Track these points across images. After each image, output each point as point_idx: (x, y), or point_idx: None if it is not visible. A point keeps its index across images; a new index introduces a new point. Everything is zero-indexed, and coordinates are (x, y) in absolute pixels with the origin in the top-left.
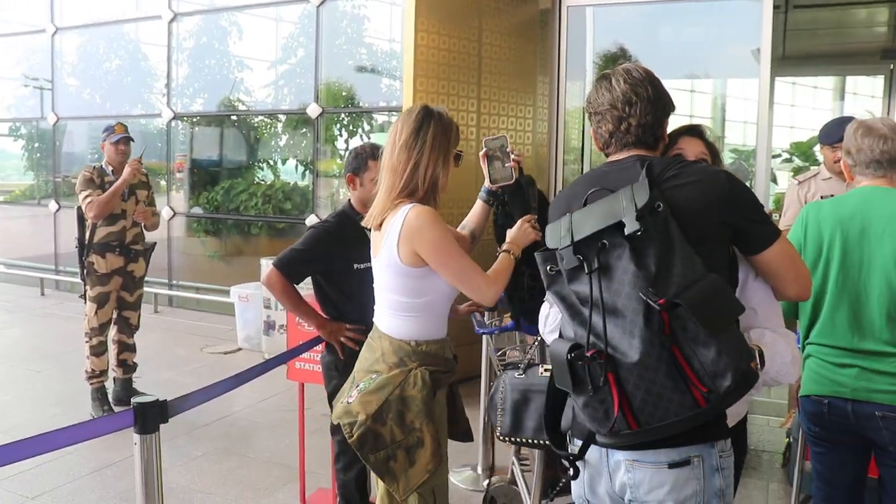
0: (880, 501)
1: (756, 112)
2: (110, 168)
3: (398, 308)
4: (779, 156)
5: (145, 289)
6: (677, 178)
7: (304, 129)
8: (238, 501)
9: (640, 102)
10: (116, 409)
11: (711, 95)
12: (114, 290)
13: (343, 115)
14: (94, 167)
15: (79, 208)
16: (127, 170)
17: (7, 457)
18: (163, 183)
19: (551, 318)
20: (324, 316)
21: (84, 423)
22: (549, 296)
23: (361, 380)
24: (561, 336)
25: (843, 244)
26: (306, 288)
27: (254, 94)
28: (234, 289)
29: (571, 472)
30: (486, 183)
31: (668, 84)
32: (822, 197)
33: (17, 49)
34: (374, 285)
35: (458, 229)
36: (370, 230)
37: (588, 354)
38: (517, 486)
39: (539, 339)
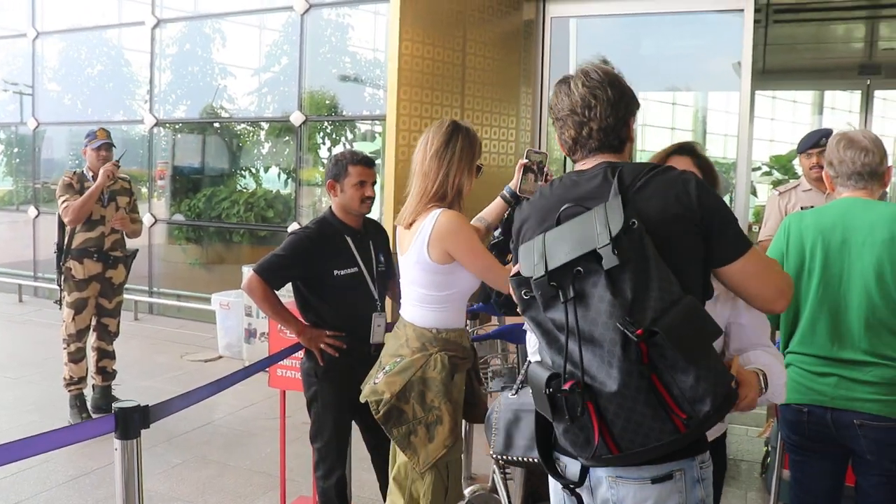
0: None
1: (737, 125)
2: (91, 174)
3: (423, 300)
4: (759, 169)
5: (126, 296)
6: (647, 187)
7: (287, 137)
8: None
9: (599, 106)
10: (95, 416)
11: (693, 108)
12: (91, 297)
13: (326, 124)
14: (75, 172)
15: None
16: (101, 174)
17: None
18: (144, 190)
19: (533, 340)
20: (304, 322)
21: (65, 427)
22: (525, 321)
23: (387, 363)
24: (539, 361)
25: (823, 254)
26: (288, 296)
27: (237, 102)
28: (215, 296)
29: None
30: (513, 185)
31: (649, 96)
32: (802, 208)
33: None
34: (402, 277)
35: (474, 221)
36: (355, 236)
37: (566, 387)
38: (498, 494)
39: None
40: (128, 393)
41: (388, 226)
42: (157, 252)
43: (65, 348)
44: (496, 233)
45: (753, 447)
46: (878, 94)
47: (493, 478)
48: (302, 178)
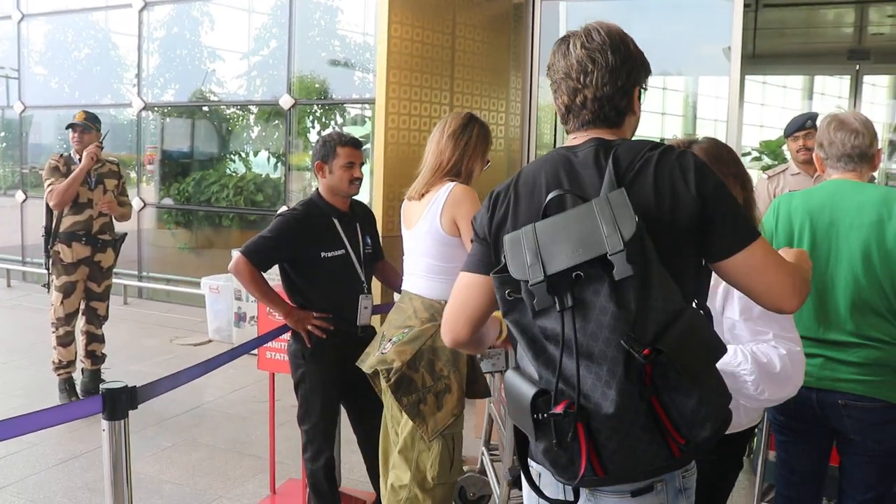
0: (840, 489)
1: (726, 110)
2: (77, 157)
3: (432, 271)
4: (749, 154)
5: (115, 280)
6: (642, 173)
7: (277, 121)
8: (207, 492)
9: (596, 71)
10: None
11: (683, 93)
12: (80, 280)
13: (316, 107)
14: (62, 155)
15: None
16: (84, 155)
17: None
18: (133, 174)
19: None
20: (291, 304)
21: (52, 408)
22: (508, 324)
23: (393, 335)
24: (518, 367)
25: (811, 235)
26: (277, 279)
27: (226, 85)
28: (204, 280)
29: None
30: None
31: None
32: (790, 191)
33: None
34: (408, 251)
35: None
36: (342, 218)
37: (559, 409)
38: (487, 475)
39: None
40: (117, 377)
41: (377, 208)
42: (146, 236)
43: (53, 332)
44: None
45: None
46: (867, 79)
47: (481, 459)
48: (291, 162)
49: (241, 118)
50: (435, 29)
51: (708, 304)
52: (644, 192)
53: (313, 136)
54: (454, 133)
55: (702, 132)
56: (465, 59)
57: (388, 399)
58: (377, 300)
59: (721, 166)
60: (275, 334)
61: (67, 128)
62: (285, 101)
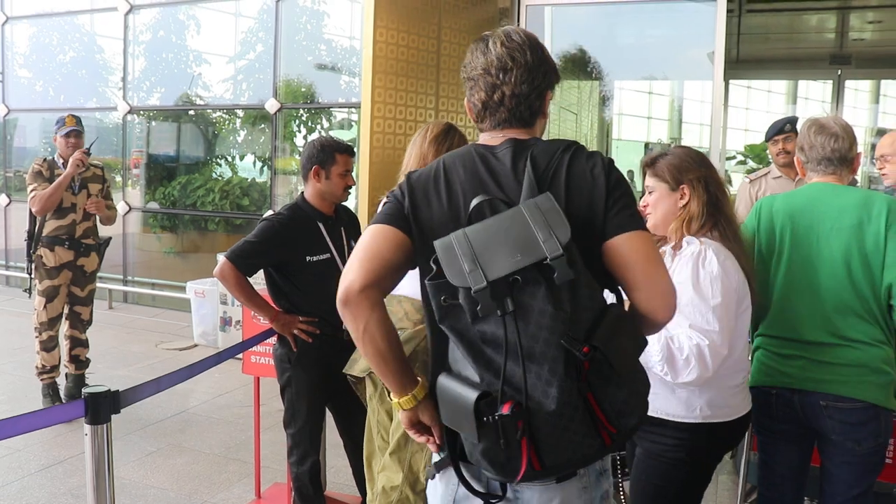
0: (821, 489)
1: (710, 114)
2: (61, 161)
3: (417, 274)
4: (734, 158)
5: (100, 285)
6: (559, 175)
7: (263, 125)
8: (192, 497)
9: (515, 69)
10: None
11: (669, 97)
12: (63, 285)
13: (302, 111)
14: (45, 160)
15: None
16: (70, 162)
17: None
18: (118, 178)
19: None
20: (276, 308)
21: (34, 412)
22: (444, 328)
23: None
24: (450, 370)
25: (792, 238)
26: (262, 284)
27: (212, 89)
28: (189, 284)
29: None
30: None
31: (626, 85)
32: (772, 194)
33: None
34: None
35: None
36: (327, 222)
37: (505, 410)
38: None
39: None
40: (102, 381)
41: (362, 212)
42: (131, 240)
43: (37, 337)
44: None
45: None
46: (848, 83)
47: None
48: (277, 166)
49: (227, 122)
50: (420, 33)
51: None
52: (560, 193)
53: (299, 140)
54: (436, 137)
55: (687, 136)
56: (451, 63)
57: (373, 404)
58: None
59: (681, 174)
60: (260, 338)
61: (66, 135)
62: (271, 105)
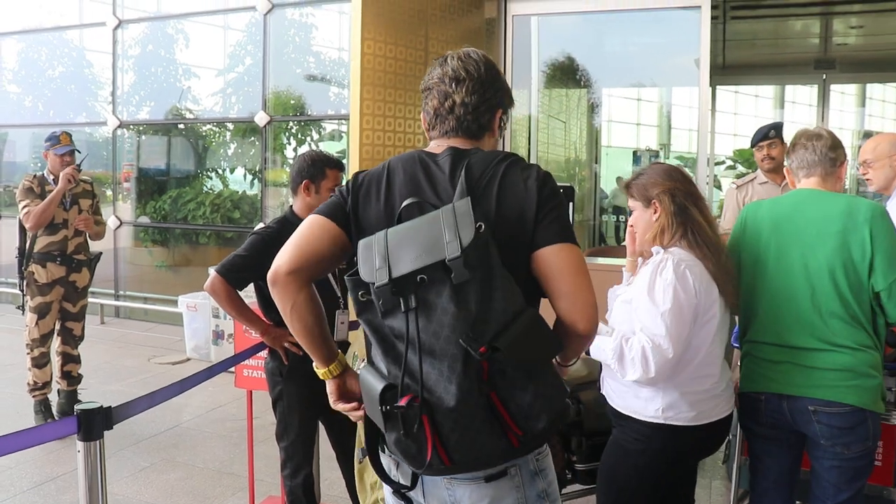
0: (811, 493)
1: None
2: (52, 177)
3: None
4: (722, 163)
5: (91, 300)
6: (493, 183)
7: (253, 138)
8: None
9: (468, 80)
10: None
11: (657, 104)
12: (55, 301)
13: (292, 124)
14: (35, 176)
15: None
16: (61, 178)
17: None
18: (109, 192)
19: None
20: (267, 322)
21: (26, 430)
22: (360, 322)
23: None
24: (372, 364)
25: (777, 244)
26: (253, 297)
27: (201, 103)
28: (181, 298)
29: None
30: None
31: (614, 92)
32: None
33: None
34: None
35: None
36: None
37: (403, 402)
38: None
39: None
40: (94, 397)
41: None
42: (122, 255)
43: (28, 353)
44: None
45: None
46: (834, 87)
47: None
48: (268, 179)
49: (217, 135)
50: (408, 45)
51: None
52: (492, 201)
53: (289, 153)
54: None
55: (676, 142)
56: None
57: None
58: (353, 315)
59: (648, 190)
60: (252, 352)
61: (52, 144)
62: (261, 118)
